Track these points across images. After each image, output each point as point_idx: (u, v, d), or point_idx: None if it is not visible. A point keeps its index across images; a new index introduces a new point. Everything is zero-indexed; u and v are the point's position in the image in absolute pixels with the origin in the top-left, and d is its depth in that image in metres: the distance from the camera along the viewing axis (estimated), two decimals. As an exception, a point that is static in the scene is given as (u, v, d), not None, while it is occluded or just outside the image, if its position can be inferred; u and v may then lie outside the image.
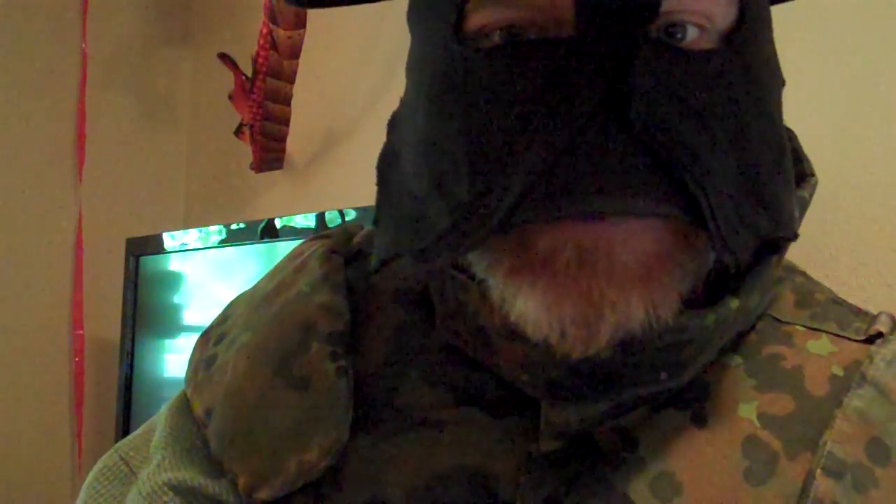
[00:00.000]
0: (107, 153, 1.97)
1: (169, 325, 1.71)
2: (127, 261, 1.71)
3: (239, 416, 0.49)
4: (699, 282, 0.44)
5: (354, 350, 0.50)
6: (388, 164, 0.48)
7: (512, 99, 0.40)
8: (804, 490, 0.42)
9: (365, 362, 0.50)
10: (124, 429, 1.68)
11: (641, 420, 0.45)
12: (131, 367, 1.69)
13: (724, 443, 0.44)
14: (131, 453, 0.54)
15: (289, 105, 1.64)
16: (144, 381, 1.69)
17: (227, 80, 1.71)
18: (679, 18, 0.41)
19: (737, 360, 0.47)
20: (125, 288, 1.71)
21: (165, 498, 0.49)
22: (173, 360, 1.71)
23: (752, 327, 0.49)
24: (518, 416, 0.46)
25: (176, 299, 1.71)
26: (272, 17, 1.53)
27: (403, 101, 0.49)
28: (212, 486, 0.49)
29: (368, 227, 0.55)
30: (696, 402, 0.46)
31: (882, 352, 0.47)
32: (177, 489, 0.49)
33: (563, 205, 0.38)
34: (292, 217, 1.42)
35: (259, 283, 0.56)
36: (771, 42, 0.47)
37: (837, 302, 0.51)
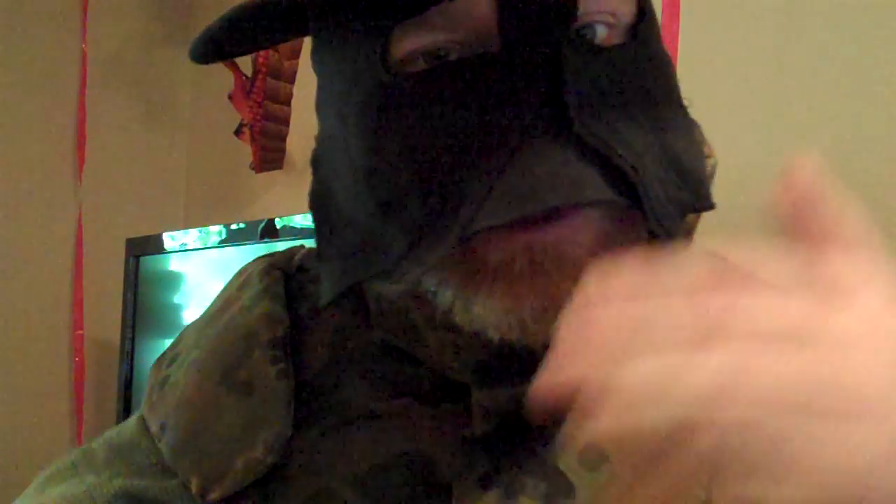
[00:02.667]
0: (107, 153, 1.97)
1: (169, 325, 1.71)
2: (127, 261, 1.71)
3: (189, 425, 0.51)
4: None
5: (296, 353, 0.52)
6: (321, 201, 0.49)
7: (448, 119, 0.42)
8: None
9: (307, 365, 0.52)
10: (124, 429, 1.68)
11: None
12: (131, 367, 1.69)
13: None
14: (80, 458, 0.56)
15: (289, 105, 1.64)
16: (144, 381, 1.68)
17: (227, 80, 1.71)
18: (588, 20, 0.44)
19: None
20: (125, 288, 1.71)
21: None
22: (173, 360, 1.71)
23: None
24: (451, 403, 0.49)
25: (176, 299, 1.71)
26: (272, 17, 1.52)
27: (323, 138, 0.50)
28: (160, 490, 0.51)
29: (309, 246, 0.57)
30: None
31: None
32: (127, 496, 0.51)
33: (519, 207, 0.41)
34: (292, 217, 1.43)
35: (209, 306, 0.59)
36: (661, 38, 0.50)
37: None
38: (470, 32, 0.43)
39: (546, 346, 0.43)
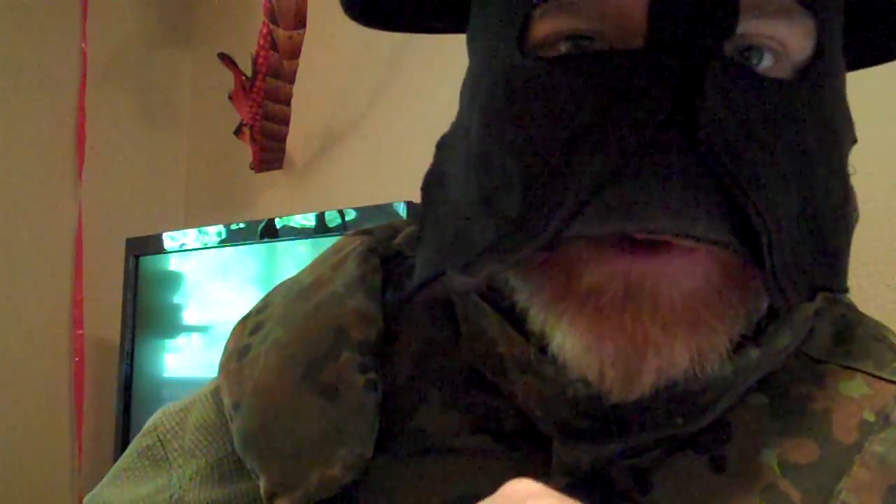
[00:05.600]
0: (107, 153, 1.97)
1: (169, 325, 1.71)
2: (127, 261, 1.71)
3: (263, 417, 0.48)
4: (749, 328, 0.42)
5: (383, 356, 0.49)
6: (434, 185, 0.46)
7: (573, 110, 0.38)
8: None
9: (391, 376, 0.49)
10: (124, 429, 1.68)
11: (657, 461, 0.43)
12: (131, 367, 1.69)
13: (741, 491, 0.42)
14: (168, 436, 0.54)
15: (289, 105, 1.64)
16: (144, 381, 1.69)
17: (227, 80, 1.71)
18: (755, 42, 0.40)
19: (762, 399, 0.45)
20: (125, 288, 1.71)
21: None
22: (173, 360, 1.71)
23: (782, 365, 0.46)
24: (532, 449, 0.45)
25: (176, 299, 1.71)
26: (272, 16, 1.53)
27: (455, 123, 0.47)
28: (242, 498, 0.50)
29: (412, 227, 0.54)
30: (715, 446, 0.44)
31: None
32: None
33: (620, 222, 0.36)
34: (292, 217, 1.43)
35: (300, 273, 0.55)
36: (844, 93, 0.44)
37: (878, 339, 0.48)
38: (616, 24, 0.39)
39: (619, 402, 0.40)
